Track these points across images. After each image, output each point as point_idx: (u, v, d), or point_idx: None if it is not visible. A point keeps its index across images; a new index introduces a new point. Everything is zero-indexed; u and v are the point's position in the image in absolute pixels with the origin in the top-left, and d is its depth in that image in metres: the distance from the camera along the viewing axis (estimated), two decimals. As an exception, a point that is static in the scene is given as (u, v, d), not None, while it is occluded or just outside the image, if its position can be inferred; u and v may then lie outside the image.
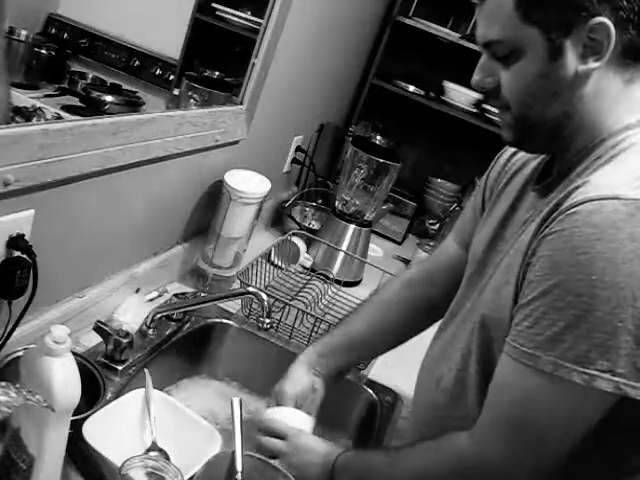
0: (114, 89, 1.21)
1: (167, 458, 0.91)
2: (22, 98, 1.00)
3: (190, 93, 1.33)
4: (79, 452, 0.86)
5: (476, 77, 0.83)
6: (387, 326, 1.13)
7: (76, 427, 0.83)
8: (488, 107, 2.30)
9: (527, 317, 0.73)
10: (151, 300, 1.32)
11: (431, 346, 1.01)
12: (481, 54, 0.82)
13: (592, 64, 0.75)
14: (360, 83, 2.47)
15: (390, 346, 1.16)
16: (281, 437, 0.97)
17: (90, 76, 1.21)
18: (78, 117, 0.99)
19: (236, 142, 1.49)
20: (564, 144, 0.81)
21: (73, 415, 0.77)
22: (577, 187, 0.73)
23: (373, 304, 1.17)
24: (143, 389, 0.99)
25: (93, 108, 1.13)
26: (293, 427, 0.98)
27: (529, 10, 0.73)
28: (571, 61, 0.75)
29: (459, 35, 2.29)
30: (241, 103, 1.44)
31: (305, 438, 0.97)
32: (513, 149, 1.00)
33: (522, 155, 0.97)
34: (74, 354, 0.76)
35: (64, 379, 0.73)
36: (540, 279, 0.72)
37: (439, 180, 2.49)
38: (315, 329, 1.37)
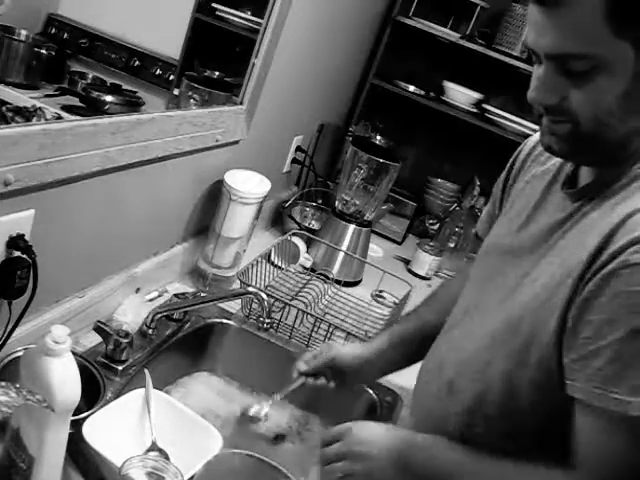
0: (114, 89, 1.21)
1: (167, 458, 0.91)
2: (22, 98, 1.00)
3: (190, 93, 1.33)
4: (79, 452, 0.86)
5: (536, 94, 0.75)
6: None
7: (76, 427, 0.83)
8: (488, 107, 2.30)
9: (614, 360, 0.69)
10: (151, 300, 1.32)
11: (437, 346, 0.97)
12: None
13: None
14: (360, 83, 2.47)
15: None
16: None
17: (90, 76, 1.21)
18: (78, 117, 0.99)
19: (236, 142, 1.49)
20: (620, 160, 0.76)
21: (73, 415, 0.77)
22: None
23: (443, 296, 1.14)
24: (143, 389, 0.99)
25: (93, 108, 1.13)
26: None
27: (623, 24, 0.66)
28: None
29: (459, 35, 2.29)
30: (241, 103, 1.44)
31: (364, 435, 0.92)
32: (532, 144, 0.97)
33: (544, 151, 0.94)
34: (74, 354, 0.76)
35: (64, 379, 0.73)
36: (620, 318, 0.68)
37: (439, 180, 2.49)
38: (315, 329, 1.37)
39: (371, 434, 0.92)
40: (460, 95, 2.34)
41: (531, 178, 0.94)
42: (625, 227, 0.69)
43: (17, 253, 0.88)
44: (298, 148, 2.03)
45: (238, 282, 1.38)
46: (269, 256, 1.62)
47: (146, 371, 1.03)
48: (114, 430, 0.91)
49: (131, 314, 1.21)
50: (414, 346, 1.09)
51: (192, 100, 1.34)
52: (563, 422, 0.77)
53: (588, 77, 0.70)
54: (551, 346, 0.75)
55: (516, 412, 0.81)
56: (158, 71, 1.26)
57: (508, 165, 1.03)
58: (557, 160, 0.90)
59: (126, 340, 1.07)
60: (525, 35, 0.75)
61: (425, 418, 0.95)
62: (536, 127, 0.89)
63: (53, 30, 1.17)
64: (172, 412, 0.99)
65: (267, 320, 1.12)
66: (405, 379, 1.11)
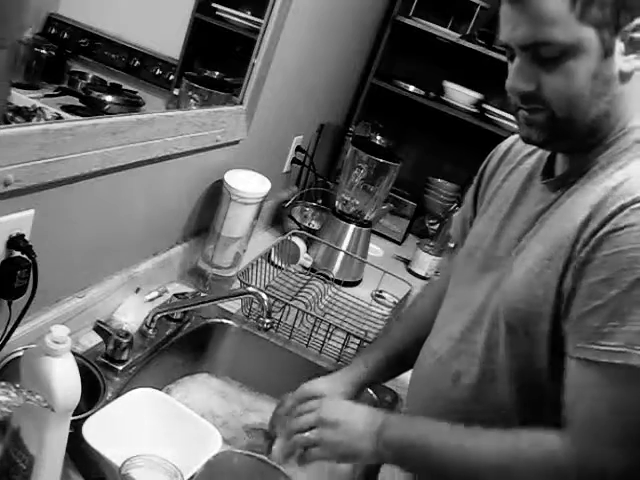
0: (114, 89, 1.21)
1: (167, 458, 0.91)
2: (22, 98, 1.00)
3: (190, 93, 1.33)
4: (79, 452, 0.86)
5: (513, 82, 0.80)
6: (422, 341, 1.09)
7: (76, 427, 0.83)
8: (488, 107, 2.30)
9: (611, 317, 0.71)
10: (151, 300, 1.32)
11: (430, 344, 0.98)
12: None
13: (635, 62, 0.76)
14: (360, 83, 2.47)
15: None
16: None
17: (90, 76, 1.21)
18: (78, 117, 0.99)
19: (236, 142, 1.49)
20: (592, 142, 0.81)
21: (73, 415, 0.77)
22: (627, 179, 0.75)
23: (408, 321, 1.18)
24: (142, 389, 0.99)
25: (93, 108, 1.13)
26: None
27: (585, 10, 0.73)
28: (618, 60, 0.76)
29: (459, 35, 2.29)
30: (241, 103, 1.44)
31: (338, 405, 0.95)
32: (507, 145, 1.02)
33: (519, 150, 0.98)
34: (74, 354, 0.76)
35: (64, 379, 0.73)
36: (616, 276, 0.71)
37: (439, 180, 2.49)
38: (315, 329, 1.37)
39: (345, 404, 0.96)
40: (460, 95, 2.34)
41: (507, 176, 0.97)
42: (612, 196, 0.74)
43: (17, 253, 0.88)
44: (298, 148, 2.03)
45: (238, 282, 1.38)
46: (269, 256, 1.62)
47: None
48: (114, 430, 0.91)
49: (131, 314, 1.21)
50: (394, 371, 1.15)
51: (192, 100, 1.34)
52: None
53: (559, 62, 0.75)
54: (550, 318, 0.78)
55: (525, 391, 0.83)
56: (158, 71, 1.26)
57: (479, 172, 1.06)
58: (533, 159, 0.94)
59: (126, 340, 1.07)
60: (499, 33, 0.80)
61: (424, 410, 0.95)
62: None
63: (53, 30, 1.16)
64: (172, 412, 0.99)
65: (267, 320, 1.12)
66: (405, 379, 1.10)
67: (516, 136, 0.99)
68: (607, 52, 0.75)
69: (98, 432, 0.87)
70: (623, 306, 0.71)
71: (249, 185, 1.43)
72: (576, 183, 0.82)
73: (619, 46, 0.75)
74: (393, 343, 1.14)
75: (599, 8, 0.72)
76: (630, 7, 0.73)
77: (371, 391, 1.27)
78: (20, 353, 0.91)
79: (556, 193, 0.85)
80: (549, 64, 0.76)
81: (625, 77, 0.77)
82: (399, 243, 2.27)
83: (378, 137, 2.42)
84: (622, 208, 0.72)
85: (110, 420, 0.91)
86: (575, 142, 0.82)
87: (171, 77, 1.28)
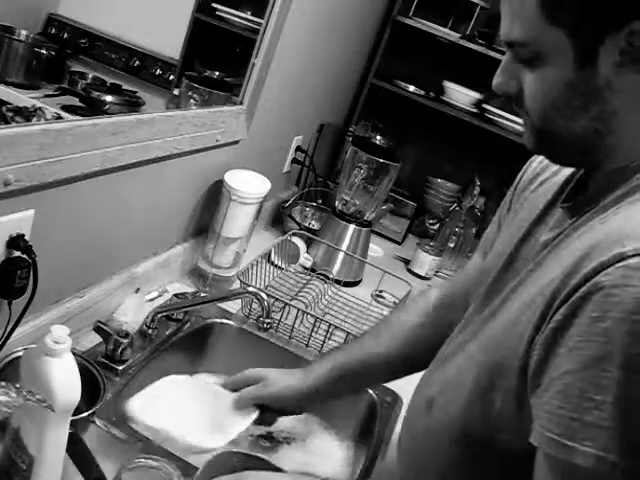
0: (114, 89, 1.21)
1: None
2: (22, 98, 1.00)
3: (190, 93, 1.33)
4: (79, 452, 0.86)
5: (497, 80, 0.73)
6: (406, 351, 1.03)
7: (76, 427, 0.83)
8: (488, 107, 2.30)
9: (557, 396, 0.59)
10: (151, 300, 1.32)
11: (432, 362, 0.92)
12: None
13: (629, 75, 0.64)
14: (360, 83, 2.47)
15: (407, 372, 1.06)
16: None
17: (90, 76, 1.21)
18: (78, 117, 0.99)
19: (236, 142, 1.49)
20: (597, 163, 0.71)
21: (73, 415, 0.77)
22: (625, 224, 0.61)
23: (392, 327, 1.07)
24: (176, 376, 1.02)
25: (93, 108, 1.13)
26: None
27: (554, 9, 0.63)
28: (604, 70, 0.64)
29: (459, 35, 2.29)
30: (241, 103, 1.44)
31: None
32: (540, 158, 0.92)
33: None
34: (74, 354, 0.76)
35: (64, 379, 0.73)
36: (577, 347, 0.58)
37: (439, 180, 2.50)
38: (315, 329, 1.37)
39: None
40: (460, 95, 2.35)
41: (537, 188, 0.89)
42: (600, 247, 0.60)
43: (17, 253, 0.88)
44: (298, 148, 2.03)
45: (238, 282, 1.38)
46: (269, 256, 1.62)
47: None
48: (157, 408, 0.94)
49: (131, 314, 1.21)
50: (356, 380, 1.05)
51: (192, 100, 1.34)
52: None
53: (533, 66, 0.68)
54: (517, 374, 0.67)
55: (487, 439, 0.73)
56: (158, 71, 1.26)
57: (513, 186, 0.97)
58: (564, 174, 0.84)
59: (126, 340, 1.07)
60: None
61: (410, 432, 0.90)
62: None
63: (53, 30, 1.16)
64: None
65: (267, 320, 1.12)
66: (405, 379, 1.10)
67: None
68: (585, 60, 0.64)
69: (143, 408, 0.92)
70: (573, 385, 0.58)
71: (249, 185, 1.43)
72: (589, 212, 0.69)
73: (609, 55, 0.63)
74: (370, 350, 1.05)
75: (569, 9, 0.63)
76: (613, 9, 0.61)
77: (371, 391, 1.27)
78: (20, 353, 0.91)
79: (570, 221, 0.72)
80: (528, 66, 0.68)
81: (617, 91, 0.65)
82: (399, 243, 2.27)
83: (378, 137, 2.42)
84: (604, 265, 0.58)
85: (154, 400, 0.94)
86: (566, 159, 0.75)
87: (171, 77, 1.28)
